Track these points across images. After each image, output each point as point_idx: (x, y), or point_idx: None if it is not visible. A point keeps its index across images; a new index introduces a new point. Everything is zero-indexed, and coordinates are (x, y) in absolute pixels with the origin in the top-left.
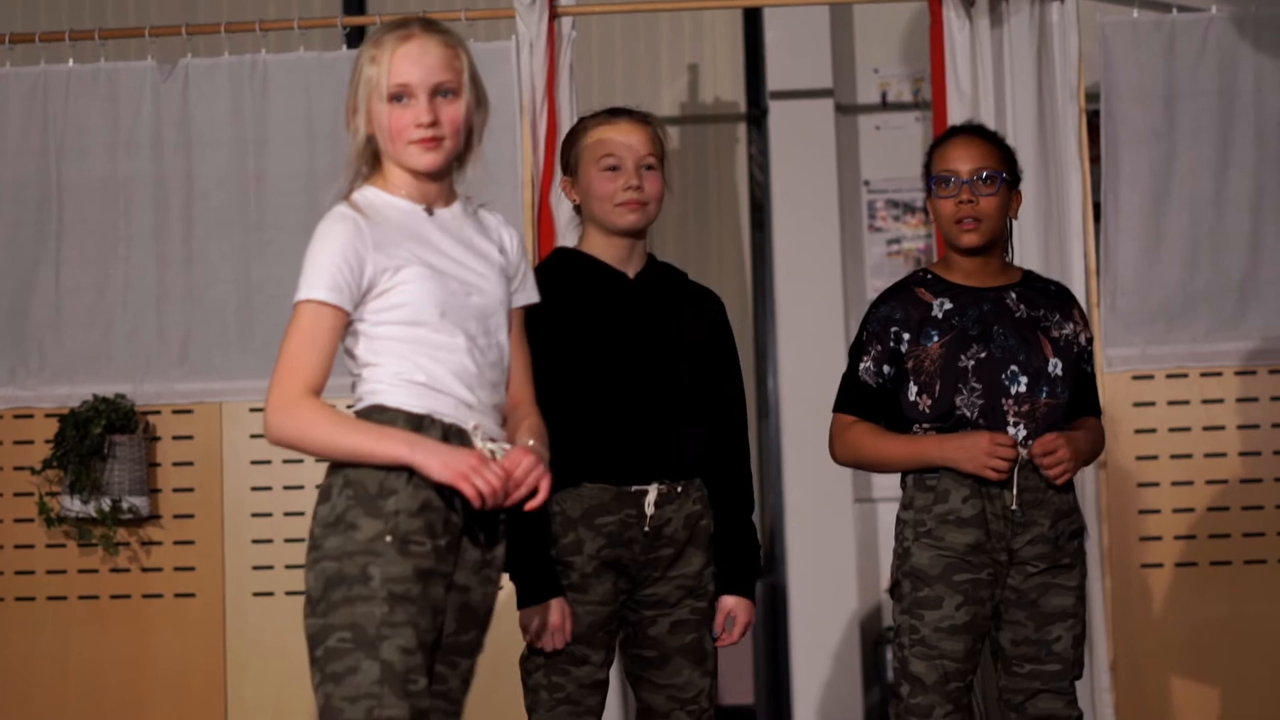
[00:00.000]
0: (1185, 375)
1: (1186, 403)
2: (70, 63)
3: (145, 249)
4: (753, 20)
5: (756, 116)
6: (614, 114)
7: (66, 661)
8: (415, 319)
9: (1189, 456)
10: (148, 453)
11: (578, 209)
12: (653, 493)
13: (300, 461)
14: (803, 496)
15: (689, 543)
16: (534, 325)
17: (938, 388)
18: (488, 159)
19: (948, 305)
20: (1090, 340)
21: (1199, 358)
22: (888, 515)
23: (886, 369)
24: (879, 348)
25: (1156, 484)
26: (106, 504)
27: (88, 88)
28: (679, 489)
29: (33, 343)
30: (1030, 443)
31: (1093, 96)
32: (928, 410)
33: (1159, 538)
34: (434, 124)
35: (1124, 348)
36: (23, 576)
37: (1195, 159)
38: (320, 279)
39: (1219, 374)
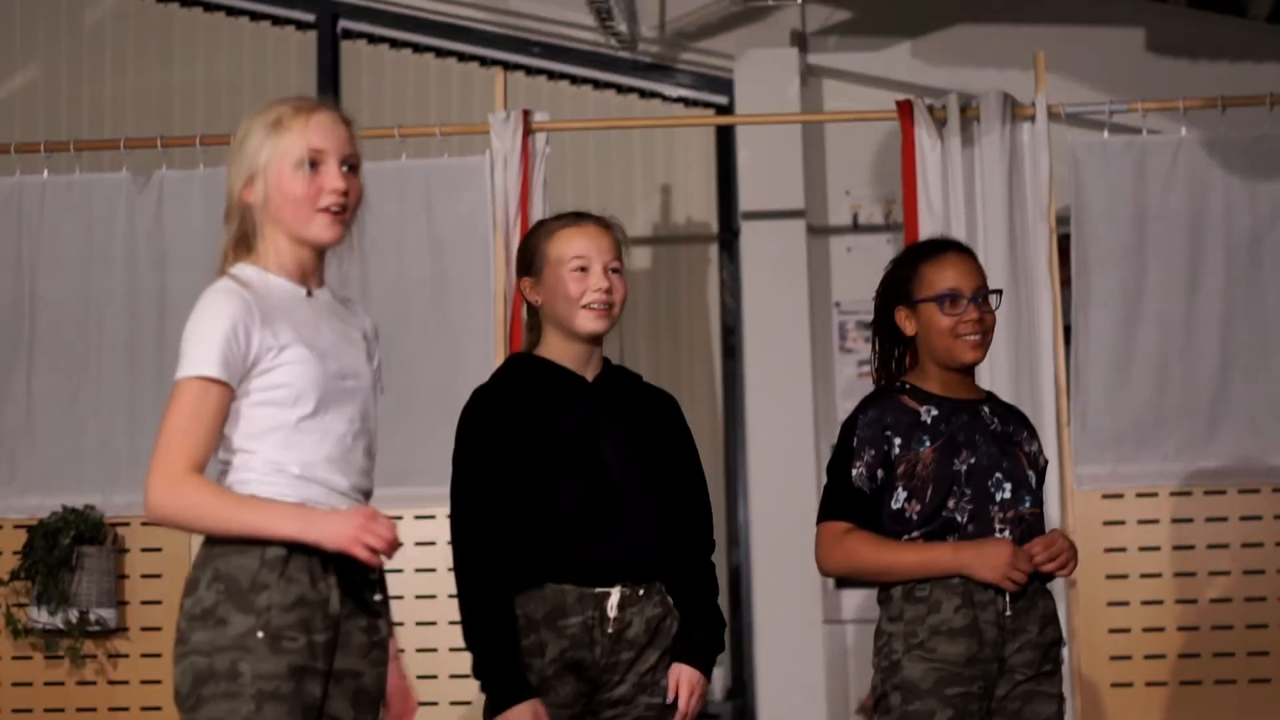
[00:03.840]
0: (1155, 494)
1: (1156, 521)
2: (45, 174)
3: (118, 360)
4: (725, 139)
5: (728, 240)
6: (579, 217)
7: None
8: (294, 400)
9: (1159, 575)
10: (116, 564)
11: (532, 312)
12: (616, 595)
13: None
14: (772, 619)
15: (649, 645)
16: (494, 429)
17: (929, 493)
18: (461, 274)
19: (934, 412)
20: (1046, 464)
21: (1169, 476)
22: (856, 636)
23: (879, 474)
24: (872, 453)
25: (1126, 603)
26: (74, 615)
27: (62, 199)
28: (640, 592)
29: (2, 454)
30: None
31: (1064, 218)
32: (915, 517)
33: (1129, 657)
34: (346, 192)
35: (1094, 465)
36: None
37: (1165, 279)
38: (209, 355)
39: (1189, 493)
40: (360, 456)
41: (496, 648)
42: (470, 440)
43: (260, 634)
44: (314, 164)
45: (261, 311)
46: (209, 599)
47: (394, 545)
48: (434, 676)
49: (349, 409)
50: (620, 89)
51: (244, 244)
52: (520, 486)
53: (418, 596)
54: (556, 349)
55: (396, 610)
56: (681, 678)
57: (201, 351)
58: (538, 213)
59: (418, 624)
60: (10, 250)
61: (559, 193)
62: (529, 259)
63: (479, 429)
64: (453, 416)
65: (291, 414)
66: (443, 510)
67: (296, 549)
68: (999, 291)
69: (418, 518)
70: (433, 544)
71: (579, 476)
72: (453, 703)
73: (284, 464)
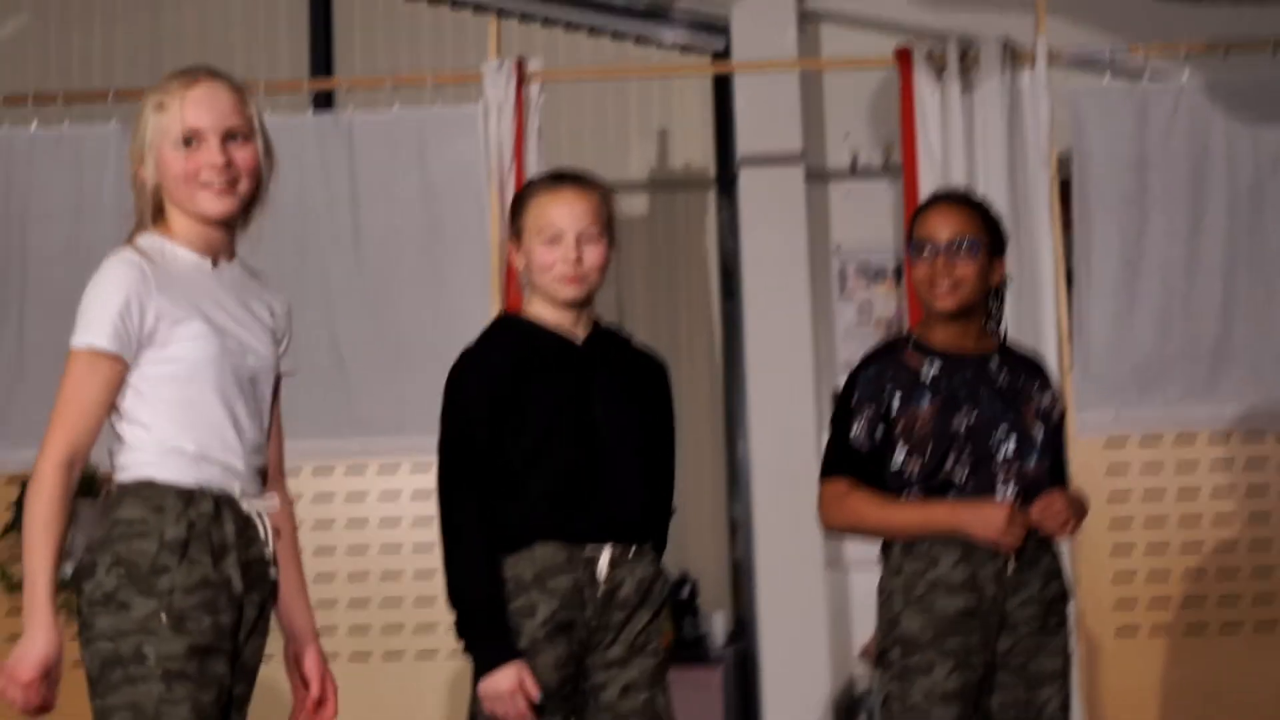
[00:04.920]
0: (1159, 440)
1: (1161, 467)
2: (34, 126)
3: None
4: (722, 86)
5: (726, 183)
6: (558, 181)
7: None
8: (190, 376)
9: (1163, 521)
10: None
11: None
12: (606, 553)
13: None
14: (774, 564)
15: (640, 605)
16: (479, 391)
17: (929, 450)
18: (455, 224)
19: (936, 367)
20: (1063, 415)
21: (1173, 422)
22: (859, 582)
23: (879, 431)
24: (871, 410)
25: (1131, 549)
26: (68, 570)
27: (51, 152)
28: (630, 552)
29: None
30: (1020, 505)
31: (1064, 163)
32: (915, 474)
33: (1133, 603)
34: (228, 165)
35: (1097, 412)
36: None
37: (1167, 225)
38: (100, 325)
39: (1193, 438)
40: (257, 435)
41: (481, 609)
42: (456, 402)
43: (163, 616)
44: (192, 141)
45: (158, 282)
46: (109, 583)
47: (17, 706)
48: (434, 626)
49: (248, 386)
50: (615, 34)
51: (145, 217)
52: (508, 448)
53: (415, 547)
54: (542, 312)
55: (397, 561)
56: None
57: (93, 322)
58: (532, 161)
59: (415, 574)
60: None
61: (554, 140)
62: (513, 223)
63: (465, 391)
64: (449, 366)
65: (188, 389)
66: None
67: (196, 533)
68: (975, 242)
69: (414, 469)
70: (430, 495)
71: (569, 438)
72: (453, 652)
73: (180, 443)
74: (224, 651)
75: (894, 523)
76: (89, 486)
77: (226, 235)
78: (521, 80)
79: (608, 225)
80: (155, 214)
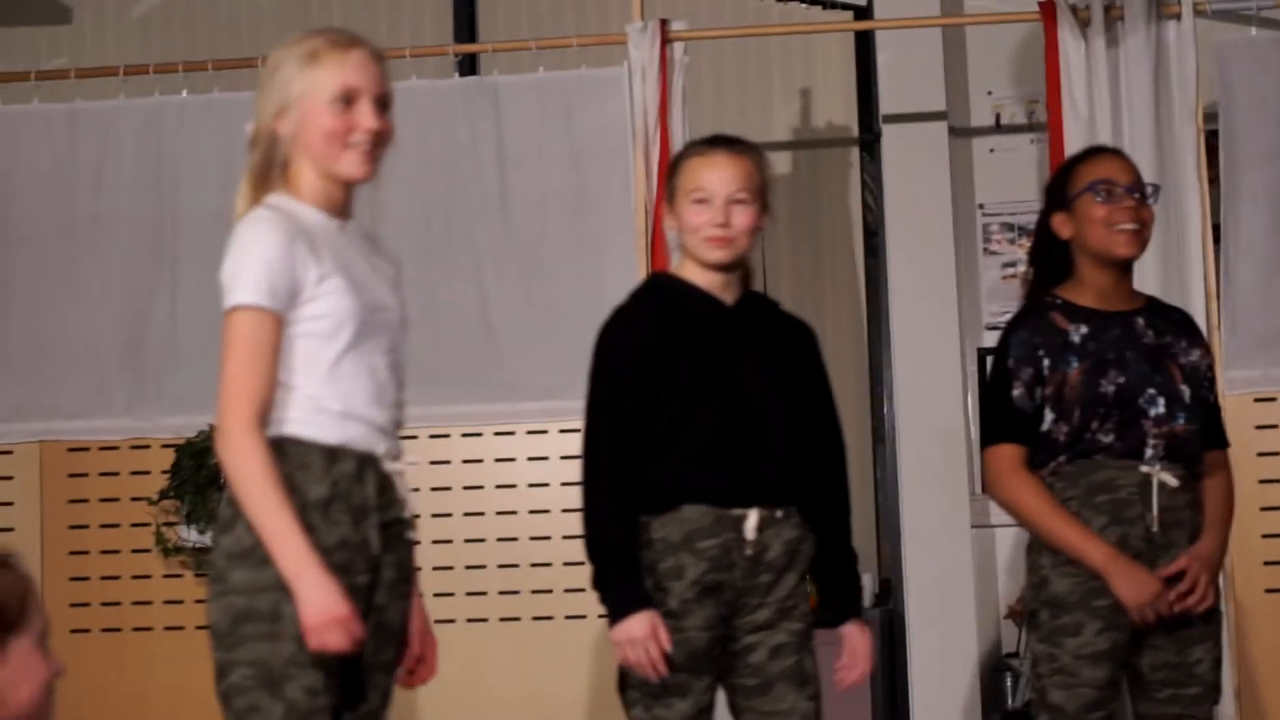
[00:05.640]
0: None
1: None
2: (184, 93)
3: None
4: (864, 43)
5: (869, 141)
6: (711, 144)
7: (186, 691)
8: (334, 332)
9: None
10: None
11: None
12: (753, 517)
13: None
14: (920, 523)
15: (787, 568)
16: (630, 349)
17: (1076, 415)
18: (601, 187)
19: (1084, 330)
20: (1212, 368)
21: None
22: (1005, 541)
23: (1036, 392)
24: (1029, 371)
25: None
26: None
27: (201, 118)
28: (778, 514)
29: (149, 374)
30: (1168, 465)
31: (1211, 116)
32: (1063, 438)
33: None
34: (378, 132)
35: (1246, 369)
36: (140, 607)
37: None
38: (258, 283)
39: None
40: (395, 390)
41: (616, 559)
42: (605, 361)
43: None
44: (348, 101)
45: (299, 239)
46: (249, 538)
47: (347, 649)
48: (584, 588)
49: (384, 341)
50: None
51: (269, 173)
52: (655, 409)
53: (563, 511)
54: (694, 273)
55: (546, 524)
56: (856, 640)
57: (250, 281)
58: (677, 123)
59: (564, 537)
60: (150, 170)
61: (697, 101)
62: (668, 185)
63: (614, 351)
64: (596, 330)
65: (331, 347)
66: None
67: (339, 492)
68: (1156, 186)
69: (563, 431)
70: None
71: (717, 400)
72: (603, 613)
73: (325, 402)
74: (359, 613)
75: (1049, 532)
76: None
77: (348, 197)
78: (665, 41)
79: (760, 191)
80: (265, 173)
